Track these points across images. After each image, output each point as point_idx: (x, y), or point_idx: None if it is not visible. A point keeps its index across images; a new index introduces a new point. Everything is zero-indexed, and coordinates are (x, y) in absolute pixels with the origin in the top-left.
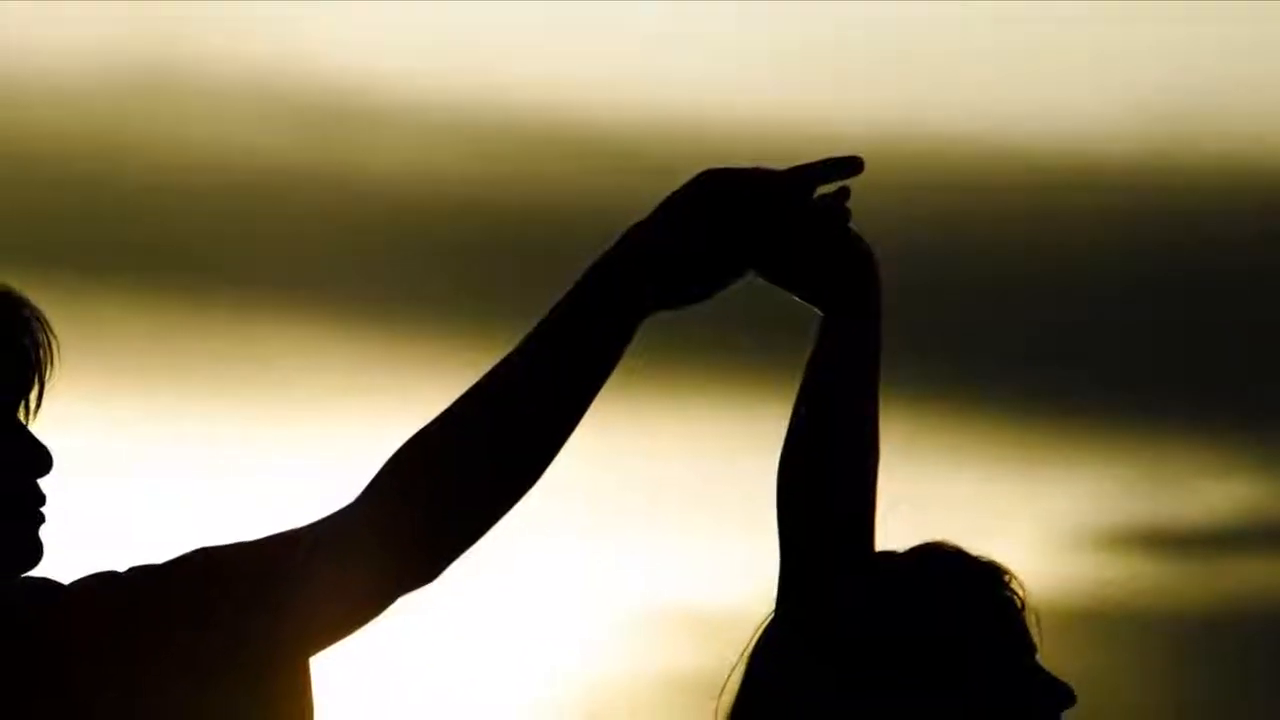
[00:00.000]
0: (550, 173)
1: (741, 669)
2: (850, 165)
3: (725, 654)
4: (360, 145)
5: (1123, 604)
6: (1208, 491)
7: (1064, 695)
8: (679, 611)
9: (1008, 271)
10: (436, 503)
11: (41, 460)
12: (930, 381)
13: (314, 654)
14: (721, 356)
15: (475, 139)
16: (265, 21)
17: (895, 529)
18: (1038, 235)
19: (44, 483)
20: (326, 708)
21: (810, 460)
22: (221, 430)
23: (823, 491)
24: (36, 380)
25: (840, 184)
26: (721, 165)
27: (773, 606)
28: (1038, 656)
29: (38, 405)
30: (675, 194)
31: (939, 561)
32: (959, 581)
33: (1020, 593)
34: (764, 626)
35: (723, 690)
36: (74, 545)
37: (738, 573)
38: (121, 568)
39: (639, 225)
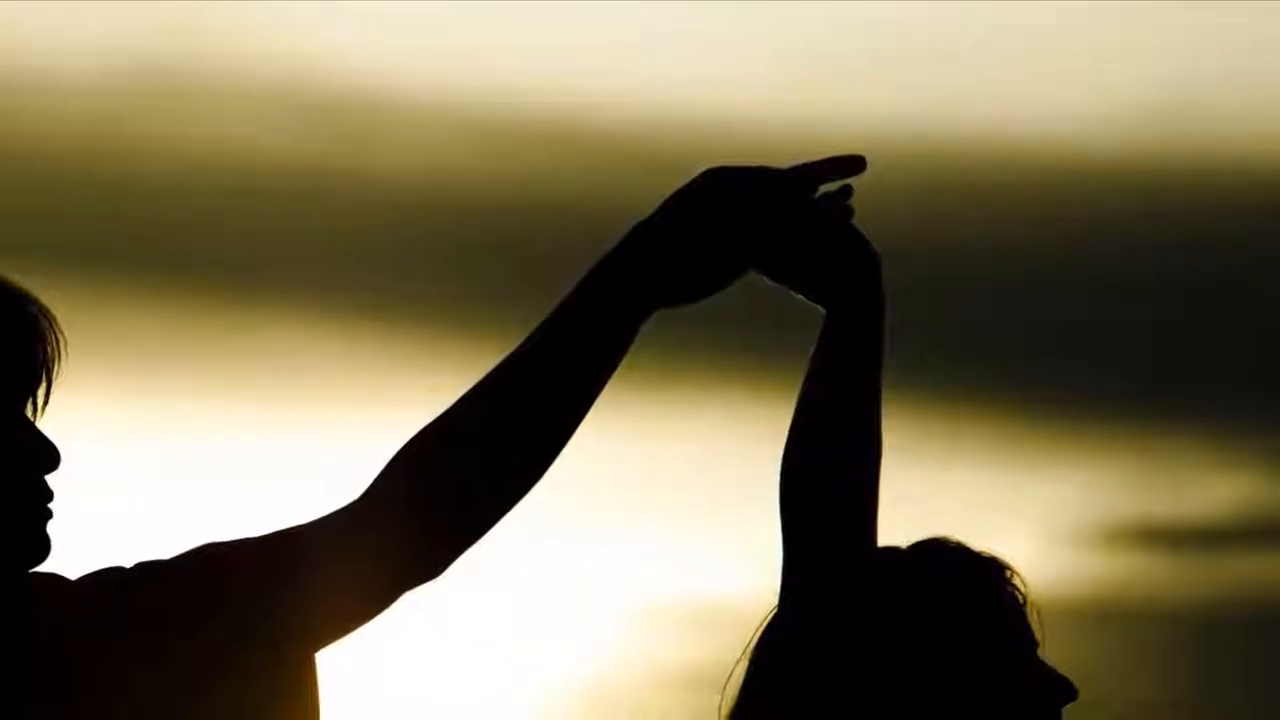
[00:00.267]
0: (552, 171)
1: (744, 664)
2: (853, 164)
3: (725, 649)
4: (364, 144)
5: (1122, 600)
6: (1207, 488)
7: (1065, 690)
8: (680, 607)
9: (1008, 271)
10: (440, 500)
11: (49, 456)
12: (930, 381)
13: (317, 651)
14: (721, 355)
15: (479, 138)
16: (268, 21)
17: (896, 526)
18: (1038, 235)
19: (51, 479)
20: (325, 706)
21: (813, 458)
22: (225, 427)
23: (825, 489)
24: (44, 377)
25: (843, 182)
26: (723, 164)
27: (776, 602)
28: (1040, 652)
29: (45, 402)
30: (678, 192)
31: (938, 561)
32: (956, 583)
33: (1022, 588)
34: (767, 621)
35: (726, 684)
36: (80, 541)
37: (738, 568)
38: (127, 564)
39: (642, 224)
